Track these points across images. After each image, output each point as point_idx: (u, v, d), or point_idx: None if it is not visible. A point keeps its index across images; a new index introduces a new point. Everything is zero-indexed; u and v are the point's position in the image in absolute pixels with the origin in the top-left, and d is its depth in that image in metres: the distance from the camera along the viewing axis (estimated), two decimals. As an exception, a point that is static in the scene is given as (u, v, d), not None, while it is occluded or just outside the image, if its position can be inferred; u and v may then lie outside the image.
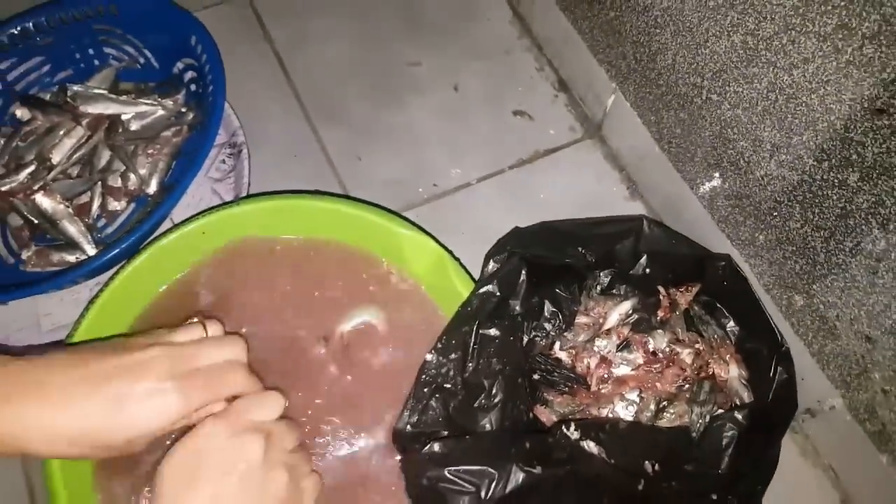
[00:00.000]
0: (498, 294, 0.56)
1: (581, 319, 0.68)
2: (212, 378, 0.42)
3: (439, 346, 0.55)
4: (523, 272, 0.57)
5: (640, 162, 0.78)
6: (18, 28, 0.79)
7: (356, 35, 0.91)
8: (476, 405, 0.52)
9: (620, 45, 0.75)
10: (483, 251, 0.71)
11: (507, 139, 0.83)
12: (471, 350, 0.54)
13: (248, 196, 0.65)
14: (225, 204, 0.64)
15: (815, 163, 0.55)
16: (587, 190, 0.80)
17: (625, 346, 0.66)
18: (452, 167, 0.82)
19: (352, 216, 0.62)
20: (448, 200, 0.80)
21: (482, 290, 0.56)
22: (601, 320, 0.68)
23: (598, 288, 0.69)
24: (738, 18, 0.59)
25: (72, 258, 0.73)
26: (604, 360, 0.66)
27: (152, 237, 0.68)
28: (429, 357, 0.55)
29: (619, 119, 0.79)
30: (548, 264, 0.61)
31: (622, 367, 0.66)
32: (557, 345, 0.67)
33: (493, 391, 0.53)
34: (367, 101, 0.86)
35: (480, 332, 0.54)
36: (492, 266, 0.58)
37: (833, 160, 0.53)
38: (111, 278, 0.60)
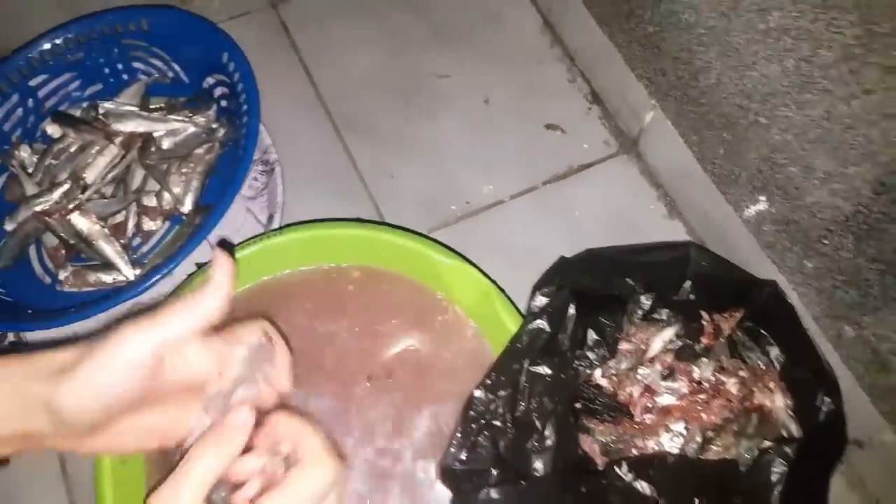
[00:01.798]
0: (548, 330, 0.55)
1: (623, 346, 0.67)
2: (162, 315, 0.36)
3: (488, 382, 0.55)
4: (572, 306, 0.57)
5: (680, 180, 0.77)
6: (49, 44, 0.78)
7: (384, 46, 0.89)
8: (528, 446, 0.52)
9: (660, 61, 0.73)
10: (519, 271, 0.71)
11: (539, 154, 0.82)
12: (521, 388, 0.53)
13: (291, 225, 0.65)
14: (268, 233, 0.63)
15: (872, 195, 0.54)
16: (623, 207, 0.79)
17: (669, 374, 0.66)
18: (485, 184, 0.80)
19: (396, 245, 0.61)
20: (481, 218, 0.79)
21: (532, 326, 0.55)
22: (644, 347, 0.67)
23: (640, 312, 0.68)
24: (791, 43, 0.57)
25: (108, 278, 0.73)
26: (648, 390, 0.65)
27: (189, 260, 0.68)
28: (477, 393, 0.55)
29: (658, 136, 0.77)
30: (594, 294, 0.60)
31: (666, 396, 0.65)
32: (598, 371, 0.66)
33: (546, 432, 0.52)
34: (396, 114, 0.85)
35: (531, 369, 0.54)
36: (540, 300, 0.57)
37: (894, 194, 0.52)
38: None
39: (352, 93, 0.86)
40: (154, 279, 0.66)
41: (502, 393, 0.55)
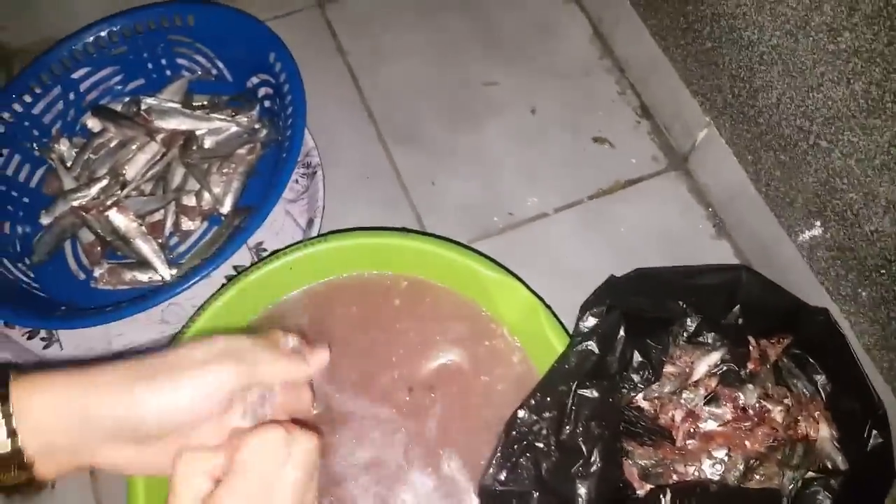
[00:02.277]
0: (597, 352, 0.54)
1: (667, 369, 0.65)
2: (261, 364, 0.38)
3: (532, 402, 0.53)
4: (622, 328, 0.55)
5: (731, 201, 0.75)
6: (93, 37, 0.77)
7: (431, 51, 0.88)
8: (573, 471, 0.50)
9: (717, 78, 0.71)
10: (561, 286, 0.69)
11: (586, 167, 0.80)
12: (568, 411, 0.52)
13: (336, 232, 0.63)
14: (314, 240, 0.62)
15: (943, 229, 0.52)
16: (670, 225, 0.77)
17: (713, 399, 0.64)
18: (529, 195, 0.79)
19: (443, 257, 0.60)
20: (524, 231, 0.77)
21: (580, 347, 0.54)
22: (688, 370, 0.66)
23: (685, 335, 0.66)
24: (862, 66, 0.55)
25: (144, 277, 0.72)
26: (690, 414, 0.64)
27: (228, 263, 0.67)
28: (521, 413, 0.53)
29: (710, 154, 0.75)
30: (643, 316, 0.58)
31: (709, 422, 0.63)
32: (641, 394, 0.65)
33: (592, 458, 0.51)
34: (441, 121, 0.84)
35: (579, 392, 0.52)
36: (590, 320, 0.56)
37: (968, 230, 0.50)
38: (197, 312, 0.58)
39: (397, 97, 0.85)
40: (192, 281, 0.65)
41: (547, 414, 0.53)
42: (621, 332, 0.55)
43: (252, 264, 0.62)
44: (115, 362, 0.36)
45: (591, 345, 0.54)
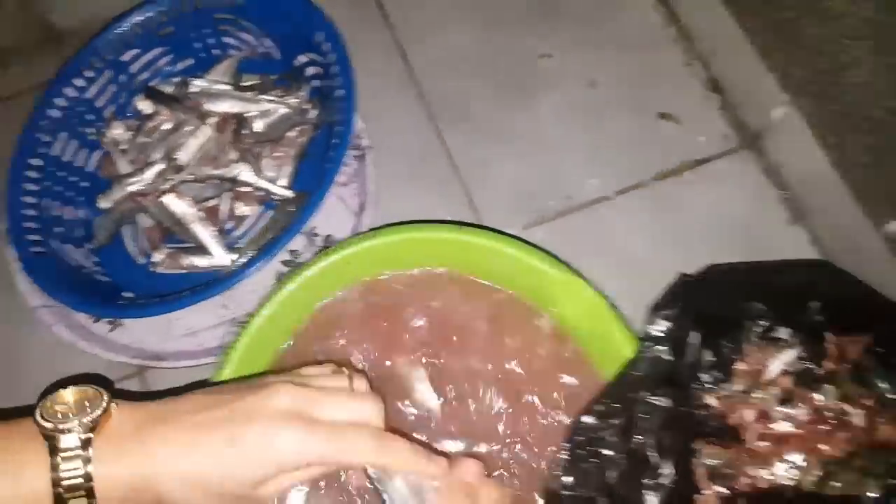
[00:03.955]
0: (670, 359, 0.51)
1: (738, 366, 0.63)
2: (336, 434, 0.39)
3: (599, 409, 0.51)
4: (695, 333, 0.52)
5: (809, 185, 0.70)
6: (140, 18, 0.76)
7: (481, 21, 0.84)
8: (644, 480, 0.49)
9: (798, 52, 0.66)
10: (623, 275, 0.66)
11: (650, 146, 0.76)
12: (637, 419, 0.50)
13: (389, 226, 0.62)
14: (364, 235, 0.60)
15: None
16: (740, 209, 0.73)
17: (787, 399, 0.61)
18: (588, 177, 0.75)
19: (503, 254, 0.58)
20: (583, 215, 0.74)
21: (651, 353, 0.51)
22: (760, 368, 0.63)
23: (758, 330, 0.63)
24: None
25: (202, 263, 0.72)
26: (763, 415, 0.61)
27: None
28: (586, 419, 0.52)
29: (787, 133, 0.70)
30: (717, 317, 0.55)
31: (783, 423, 0.61)
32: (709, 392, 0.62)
33: (664, 469, 0.49)
34: (493, 97, 0.80)
35: (650, 400, 0.50)
36: (661, 324, 0.53)
37: None
38: (262, 304, 0.58)
39: (447, 73, 0.81)
40: (253, 268, 0.64)
41: (615, 421, 0.51)
42: (694, 337, 0.52)
43: (313, 260, 0.61)
44: (184, 404, 0.39)
45: (663, 350, 0.52)
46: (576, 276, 0.57)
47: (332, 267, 0.59)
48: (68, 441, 0.35)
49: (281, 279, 0.73)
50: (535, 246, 0.59)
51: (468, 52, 0.82)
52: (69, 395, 0.37)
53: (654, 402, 0.50)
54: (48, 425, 0.35)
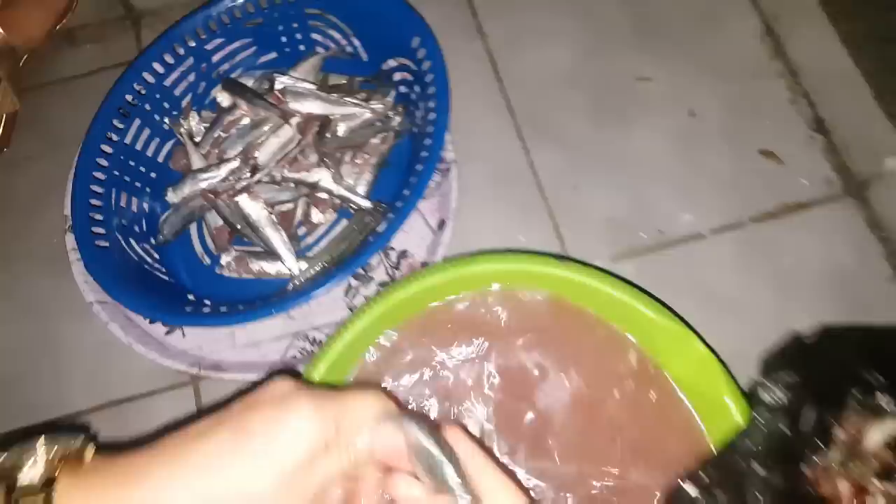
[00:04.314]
0: (784, 431, 0.48)
1: (836, 432, 0.59)
2: (349, 408, 0.34)
3: (703, 478, 0.48)
4: (812, 404, 0.49)
5: (922, 243, 0.66)
6: (231, 5, 0.72)
7: (578, 37, 0.80)
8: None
9: (928, 101, 0.62)
10: (714, 320, 0.62)
11: (749, 184, 0.72)
12: (748, 496, 0.46)
13: (483, 254, 0.58)
14: (448, 263, 0.56)
15: None
16: (840, 260, 0.69)
17: (887, 475, 0.57)
18: (682, 211, 0.72)
19: (600, 292, 0.54)
20: (675, 252, 0.70)
21: (767, 425, 0.48)
22: (859, 437, 0.59)
23: (860, 396, 0.59)
24: None
25: (272, 270, 0.69)
26: (859, 488, 0.57)
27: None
28: (689, 489, 0.48)
29: (902, 186, 0.66)
30: (831, 385, 0.52)
31: (881, 499, 0.57)
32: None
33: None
34: (586, 118, 0.76)
35: (764, 477, 0.46)
36: (776, 391, 0.49)
37: None
38: (343, 328, 0.54)
39: (539, 88, 0.78)
40: (327, 285, 0.61)
41: (720, 494, 0.48)
42: (811, 410, 0.49)
43: (398, 283, 0.57)
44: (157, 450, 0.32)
45: (777, 420, 0.48)
46: (685, 327, 0.53)
47: (424, 291, 0.56)
48: (27, 477, 0.31)
49: (351, 293, 0.70)
50: (640, 289, 0.55)
51: (563, 68, 0.78)
52: (40, 443, 0.32)
53: (769, 479, 0.47)
54: (7, 463, 0.31)
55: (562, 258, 0.56)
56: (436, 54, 0.67)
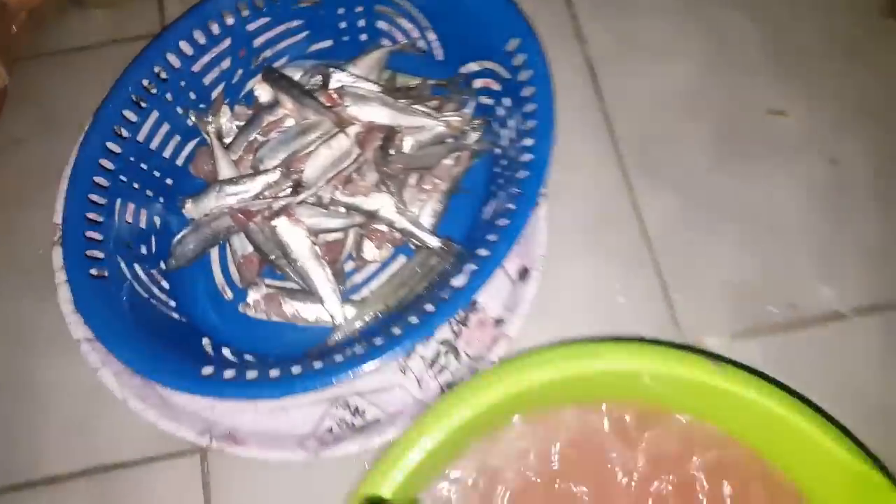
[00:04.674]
0: None
1: None
2: None
3: None
4: None
5: None
6: (281, -21, 0.58)
7: (699, 54, 0.66)
8: None
9: None
10: (859, 420, 0.49)
11: (902, 256, 0.59)
12: None
13: (581, 344, 0.44)
14: (534, 357, 0.42)
15: None
16: None
17: None
18: (821, 283, 0.58)
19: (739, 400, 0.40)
20: (810, 333, 0.56)
21: None
22: None
23: None
24: None
25: (310, 315, 0.55)
26: None
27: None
28: None
29: None
30: None
31: None
32: None
33: None
34: (705, 154, 0.62)
35: None
36: None
37: None
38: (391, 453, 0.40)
39: (648, 112, 0.64)
40: (385, 356, 0.47)
41: None
42: None
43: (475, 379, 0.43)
44: None
45: None
46: (853, 448, 0.40)
47: (514, 398, 0.42)
48: None
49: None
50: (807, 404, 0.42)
51: (679, 90, 0.64)
52: None
53: None
54: None
55: (705, 355, 0.42)
56: (540, 64, 0.53)
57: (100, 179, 0.53)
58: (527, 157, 0.52)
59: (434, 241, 0.55)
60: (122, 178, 0.54)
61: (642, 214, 0.61)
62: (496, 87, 0.59)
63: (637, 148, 0.63)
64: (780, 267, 0.59)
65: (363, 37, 0.62)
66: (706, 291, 0.58)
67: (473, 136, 0.60)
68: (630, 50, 0.66)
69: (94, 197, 0.52)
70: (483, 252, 0.49)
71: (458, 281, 0.49)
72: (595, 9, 0.67)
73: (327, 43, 0.62)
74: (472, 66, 0.60)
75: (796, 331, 0.57)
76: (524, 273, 0.57)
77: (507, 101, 0.57)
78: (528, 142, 0.52)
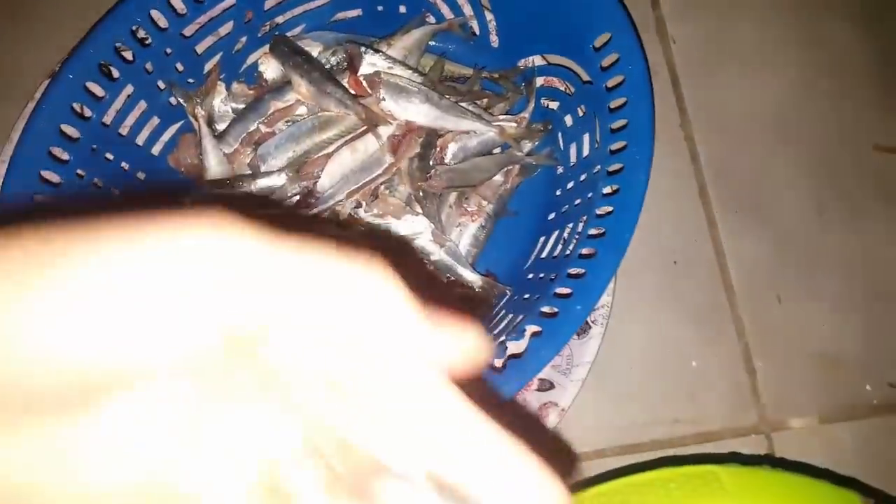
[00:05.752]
0: None
1: None
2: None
3: None
4: None
5: None
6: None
7: (800, 71, 0.55)
8: None
9: None
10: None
11: None
12: None
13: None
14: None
15: None
16: None
17: None
18: (930, 361, 0.49)
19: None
20: (915, 421, 0.48)
21: None
22: None
23: None
24: None
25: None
26: None
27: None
28: None
29: None
30: None
31: None
32: None
33: None
34: (799, 193, 0.52)
35: None
36: None
37: None
38: None
39: (738, 135, 0.53)
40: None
41: None
42: None
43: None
44: None
45: None
46: None
47: None
48: None
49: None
50: None
51: (774, 112, 0.53)
52: None
53: None
54: None
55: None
56: (638, 71, 0.41)
57: (49, 174, 0.39)
58: (612, 187, 0.41)
59: (475, 279, 0.44)
60: (78, 172, 0.41)
61: (726, 260, 0.50)
62: (565, 88, 0.47)
63: (723, 178, 0.52)
64: (881, 336, 0.49)
65: (402, 9, 0.49)
66: (795, 361, 0.49)
67: (527, 146, 0.48)
68: (720, 56, 0.54)
69: (41, 198, 0.39)
70: (549, 311, 0.38)
71: (517, 346, 0.38)
72: (684, 7, 0.55)
73: (355, 12, 0.49)
74: (536, 60, 0.48)
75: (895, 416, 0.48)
76: (583, 328, 0.46)
77: (581, 110, 0.46)
78: (615, 166, 0.41)
